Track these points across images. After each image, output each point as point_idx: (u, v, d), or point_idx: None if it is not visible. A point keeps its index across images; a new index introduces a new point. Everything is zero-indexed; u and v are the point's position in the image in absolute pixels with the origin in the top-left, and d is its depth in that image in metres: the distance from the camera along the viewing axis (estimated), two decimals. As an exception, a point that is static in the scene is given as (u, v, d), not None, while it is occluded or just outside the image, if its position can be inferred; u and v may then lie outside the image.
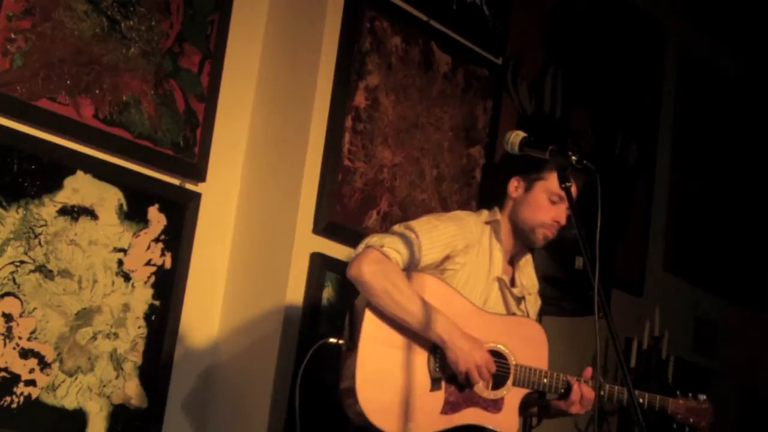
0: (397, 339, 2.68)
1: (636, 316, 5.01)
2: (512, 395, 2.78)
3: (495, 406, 2.76)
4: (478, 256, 2.87)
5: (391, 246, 2.70)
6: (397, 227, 2.81)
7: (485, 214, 2.98)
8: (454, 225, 2.84)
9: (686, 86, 5.88)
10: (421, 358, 2.71)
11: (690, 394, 3.07)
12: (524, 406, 2.87)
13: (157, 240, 3.39)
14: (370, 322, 2.67)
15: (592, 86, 5.08)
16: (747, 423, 6.26)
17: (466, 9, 4.20)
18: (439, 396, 2.69)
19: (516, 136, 2.63)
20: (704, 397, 3.09)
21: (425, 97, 4.00)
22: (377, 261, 2.67)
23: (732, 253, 6.25)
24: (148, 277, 3.36)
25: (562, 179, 2.49)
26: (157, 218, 3.39)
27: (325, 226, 3.56)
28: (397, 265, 2.69)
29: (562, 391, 2.83)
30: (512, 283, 2.99)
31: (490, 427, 2.77)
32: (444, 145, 4.06)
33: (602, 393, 2.88)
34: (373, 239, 2.72)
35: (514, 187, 2.96)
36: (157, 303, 3.37)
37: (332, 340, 2.77)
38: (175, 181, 3.46)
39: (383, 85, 3.82)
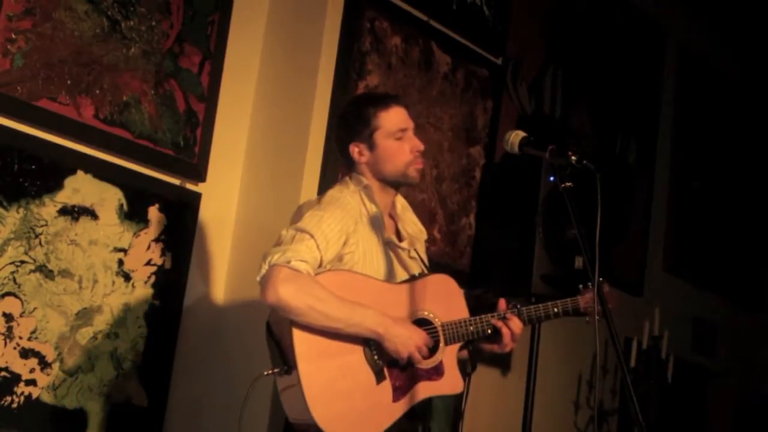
0: (330, 347, 2.63)
1: (636, 316, 5.01)
2: (448, 354, 2.78)
3: (437, 372, 2.76)
4: (365, 228, 2.82)
5: (296, 258, 2.60)
6: (286, 232, 2.71)
7: (350, 183, 2.88)
8: (336, 209, 2.77)
9: (686, 86, 5.88)
10: (357, 356, 2.67)
11: (581, 286, 2.97)
12: (459, 359, 2.87)
13: (157, 240, 3.39)
14: (300, 340, 2.59)
15: (592, 86, 5.08)
16: (747, 423, 6.27)
17: (466, 9, 4.20)
18: (386, 385, 2.68)
19: (516, 136, 2.63)
20: (585, 285, 2.98)
21: (425, 97, 4.00)
22: (290, 279, 2.57)
23: (732, 253, 6.26)
24: (149, 277, 3.36)
25: (562, 179, 2.49)
26: (157, 218, 3.39)
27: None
28: (309, 275, 2.61)
29: (489, 332, 2.82)
30: (399, 237, 2.95)
31: (440, 393, 2.78)
32: (444, 145, 4.07)
33: (523, 318, 2.85)
34: (275, 256, 2.61)
35: (357, 152, 2.86)
36: (157, 303, 3.38)
37: (267, 372, 2.70)
38: (176, 181, 3.46)
39: (383, 85, 3.82)
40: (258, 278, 2.61)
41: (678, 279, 5.74)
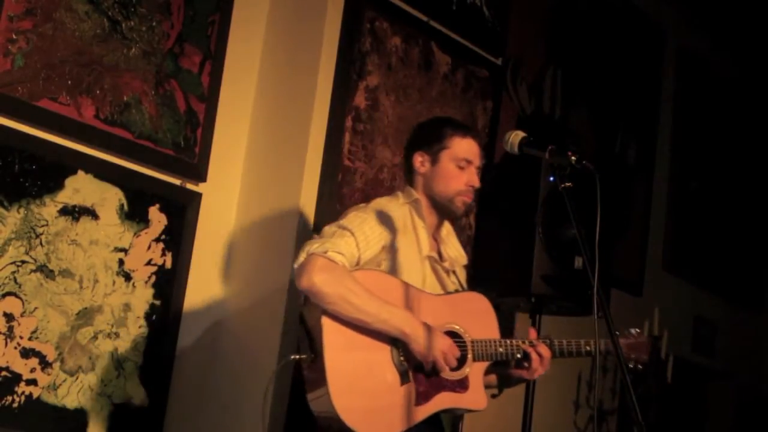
0: (358, 340, 2.67)
1: (635, 316, 5.01)
2: (474, 371, 2.80)
3: (462, 385, 2.78)
4: (407, 240, 2.87)
5: (333, 250, 2.68)
6: (329, 228, 2.79)
7: (401, 195, 2.98)
8: (381, 214, 2.84)
9: (685, 86, 5.88)
10: (384, 354, 2.70)
11: (625, 331, 3.07)
12: (485, 377, 2.89)
13: (157, 240, 3.39)
14: (329, 330, 2.64)
15: (591, 86, 5.08)
16: (747, 423, 6.27)
17: (466, 9, 4.21)
18: (410, 388, 2.70)
19: (516, 136, 2.64)
20: (637, 330, 3.10)
21: (425, 98, 4.00)
22: (325, 268, 2.64)
23: (731, 252, 6.26)
24: (149, 277, 3.37)
25: (562, 179, 2.49)
26: (157, 218, 3.40)
27: (325, 226, 3.56)
28: (344, 267, 2.68)
29: (519, 356, 2.86)
30: (440, 258, 2.99)
31: (463, 407, 2.80)
32: (444, 145, 4.07)
33: (554, 349, 2.89)
34: (314, 246, 2.69)
35: (420, 162, 2.97)
36: (157, 303, 3.38)
37: (295, 356, 2.74)
38: (176, 181, 3.47)
39: (383, 86, 3.83)
40: (295, 265, 2.69)
41: (678, 278, 5.75)
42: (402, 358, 2.71)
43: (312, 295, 2.65)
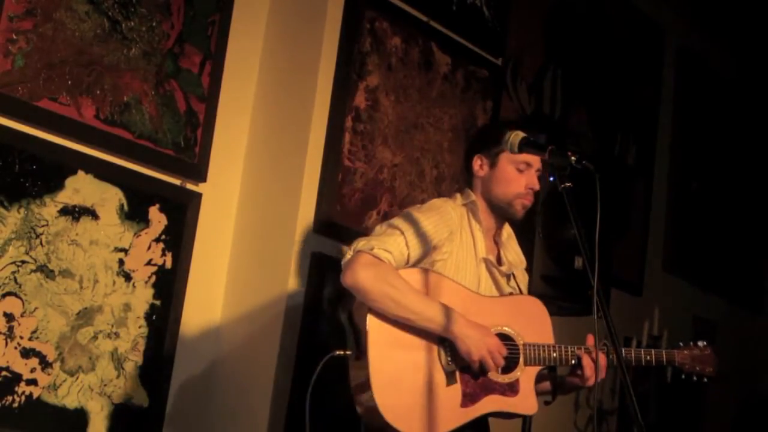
0: (405, 339, 2.66)
1: (635, 316, 5.02)
2: (526, 375, 2.76)
3: (512, 389, 2.74)
4: (462, 241, 2.86)
5: (380, 247, 2.68)
6: (379, 227, 2.80)
7: (459, 197, 2.97)
8: (434, 215, 2.83)
9: (685, 86, 5.89)
10: (431, 354, 2.68)
11: (690, 343, 3.12)
12: (538, 383, 2.86)
13: (157, 240, 3.40)
14: (374, 327, 2.64)
15: (591, 86, 5.08)
16: (747, 423, 6.27)
17: (466, 10, 4.21)
18: (456, 389, 2.67)
19: (515, 136, 2.64)
20: (704, 343, 3.15)
21: (425, 98, 4.00)
22: (371, 265, 2.64)
23: (731, 253, 6.26)
24: (149, 277, 3.37)
25: (562, 179, 2.49)
26: (157, 218, 3.40)
27: (325, 226, 3.57)
28: (390, 264, 2.67)
29: (573, 362, 2.82)
30: (499, 261, 2.98)
31: (512, 410, 2.76)
32: (444, 145, 4.07)
33: (611, 357, 2.84)
34: (361, 243, 2.70)
35: (479, 165, 2.95)
36: (157, 303, 3.38)
37: (339, 352, 2.72)
38: (176, 182, 3.47)
39: (383, 86, 3.83)
40: (342, 262, 2.70)
41: (677, 279, 5.75)
42: (449, 358, 2.68)
43: (356, 292, 2.65)
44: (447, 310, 2.66)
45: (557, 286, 3.68)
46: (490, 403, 2.71)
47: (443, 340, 2.69)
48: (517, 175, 2.90)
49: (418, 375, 2.64)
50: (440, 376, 2.67)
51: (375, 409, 2.58)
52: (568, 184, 2.50)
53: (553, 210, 3.69)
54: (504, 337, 2.75)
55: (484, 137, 3.02)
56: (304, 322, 3.47)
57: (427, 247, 2.77)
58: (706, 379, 3.07)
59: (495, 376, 2.72)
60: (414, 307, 2.63)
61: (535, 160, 2.92)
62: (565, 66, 4.88)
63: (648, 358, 2.96)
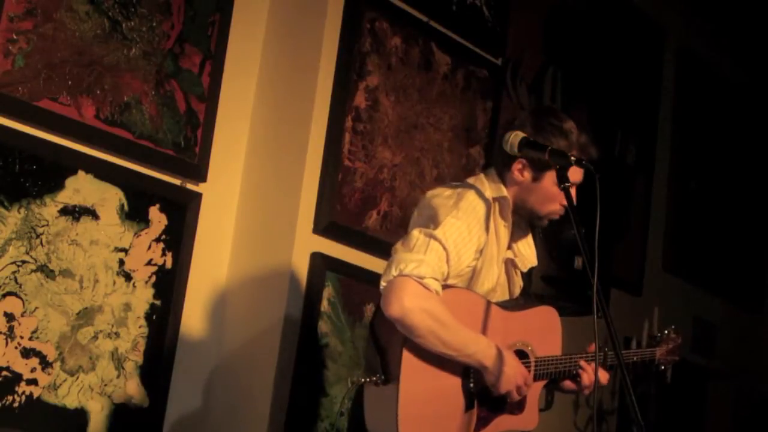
0: (433, 368, 2.57)
1: (635, 316, 5.02)
2: (532, 390, 2.74)
3: (519, 406, 2.71)
4: (490, 239, 2.73)
5: (429, 275, 2.50)
6: (419, 236, 2.57)
7: (487, 185, 2.75)
8: (474, 221, 2.67)
9: (685, 86, 5.89)
10: (454, 381, 2.61)
11: (665, 334, 3.16)
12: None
13: (158, 240, 3.40)
14: (409, 358, 2.52)
15: (591, 86, 5.09)
16: (747, 423, 6.28)
17: (466, 10, 4.21)
18: (473, 414, 2.63)
19: (515, 136, 2.63)
20: (675, 330, 3.17)
21: (425, 98, 4.01)
22: (419, 296, 2.47)
23: (731, 253, 6.26)
24: (149, 277, 3.37)
25: (561, 179, 2.49)
26: (158, 218, 3.40)
27: (325, 226, 3.57)
28: (438, 296, 2.52)
29: (575, 372, 2.81)
30: (514, 253, 2.90)
31: (518, 428, 2.74)
32: (444, 145, 4.07)
33: (609, 362, 2.87)
34: (409, 266, 2.48)
35: (519, 170, 2.73)
36: (158, 303, 3.38)
37: (364, 380, 2.60)
38: (176, 182, 3.47)
39: (383, 86, 3.83)
40: (383, 282, 2.51)
41: (677, 279, 5.75)
42: (471, 384, 2.63)
43: (400, 325, 2.48)
44: (483, 345, 2.58)
45: (557, 286, 3.68)
46: (500, 424, 2.69)
47: (468, 369, 2.62)
48: (558, 193, 2.68)
49: (440, 403, 2.59)
50: (460, 402, 2.62)
51: None
52: (568, 184, 2.50)
53: (553, 210, 3.69)
54: (520, 354, 2.72)
55: (533, 146, 2.72)
56: (303, 320, 3.47)
57: (467, 261, 2.66)
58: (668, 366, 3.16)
59: (513, 400, 2.68)
60: (456, 344, 2.53)
61: (578, 180, 2.74)
62: (564, 66, 4.89)
63: (635, 359, 2.99)
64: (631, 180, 5.42)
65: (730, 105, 6.32)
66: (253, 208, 3.65)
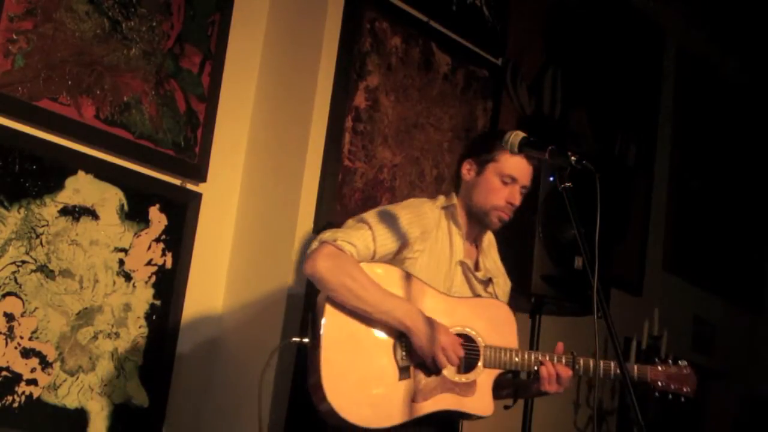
0: (361, 331, 2.67)
1: (635, 316, 5.02)
2: (484, 377, 2.77)
3: (468, 389, 2.74)
4: (437, 242, 2.86)
5: (344, 239, 2.69)
6: (350, 220, 2.81)
7: (441, 199, 2.98)
8: (408, 213, 2.83)
9: (685, 86, 5.89)
10: (386, 348, 2.69)
11: (670, 360, 3.03)
12: (498, 387, 2.86)
13: (158, 240, 3.40)
14: (331, 317, 2.66)
15: (591, 87, 5.09)
16: (747, 423, 6.27)
17: (466, 10, 4.21)
18: (409, 384, 2.68)
19: (515, 136, 2.63)
20: (685, 362, 3.05)
21: (425, 98, 4.01)
22: (331, 255, 2.66)
23: (731, 253, 6.26)
24: (149, 277, 3.37)
25: (561, 179, 2.49)
26: (157, 218, 3.40)
27: (325, 226, 3.55)
28: (352, 256, 2.68)
29: (536, 368, 2.81)
30: (476, 266, 2.97)
31: (465, 410, 2.76)
32: (444, 145, 4.08)
33: (577, 368, 2.85)
34: (326, 234, 2.71)
35: (467, 169, 2.95)
36: (158, 303, 3.38)
37: (295, 339, 2.76)
38: (176, 182, 3.47)
39: (383, 86, 3.83)
40: (307, 252, 2.71)
41: (677, 278, 5.75)
42: (404, 353, 2.69)
43: (315, 282, 2.67)
44: (404, 305, 2.68)
45: (557, 286, 3.68)
46: (443, 401, 2.72)
47: (401, 337, 2.70)
48: (501, 186, 2.88)
49: (369, 367, 2.66)
50: (393, 370, 2.68)
51: (322, 396, 2.61)
52: (568, 184, 2.50)
53: (553, 210, 3.69)
54: (465, 338, 2.75)
55: (478, 144, 3.02)
56: (304, 322, 3.47)
57: (397, 244, 2.77)
58: (683, 399, 3.01)
59: (452, 375, 2.72)
60: (370, 299, 2.64)
61: (523, 177, 2.89)
62: (565, 66, 4.88)
63: (617, 371, 2.89)
64: (631, 180, 5.42)
65: (730, 105, 6.32)
66: (253, 208, 3.65)
